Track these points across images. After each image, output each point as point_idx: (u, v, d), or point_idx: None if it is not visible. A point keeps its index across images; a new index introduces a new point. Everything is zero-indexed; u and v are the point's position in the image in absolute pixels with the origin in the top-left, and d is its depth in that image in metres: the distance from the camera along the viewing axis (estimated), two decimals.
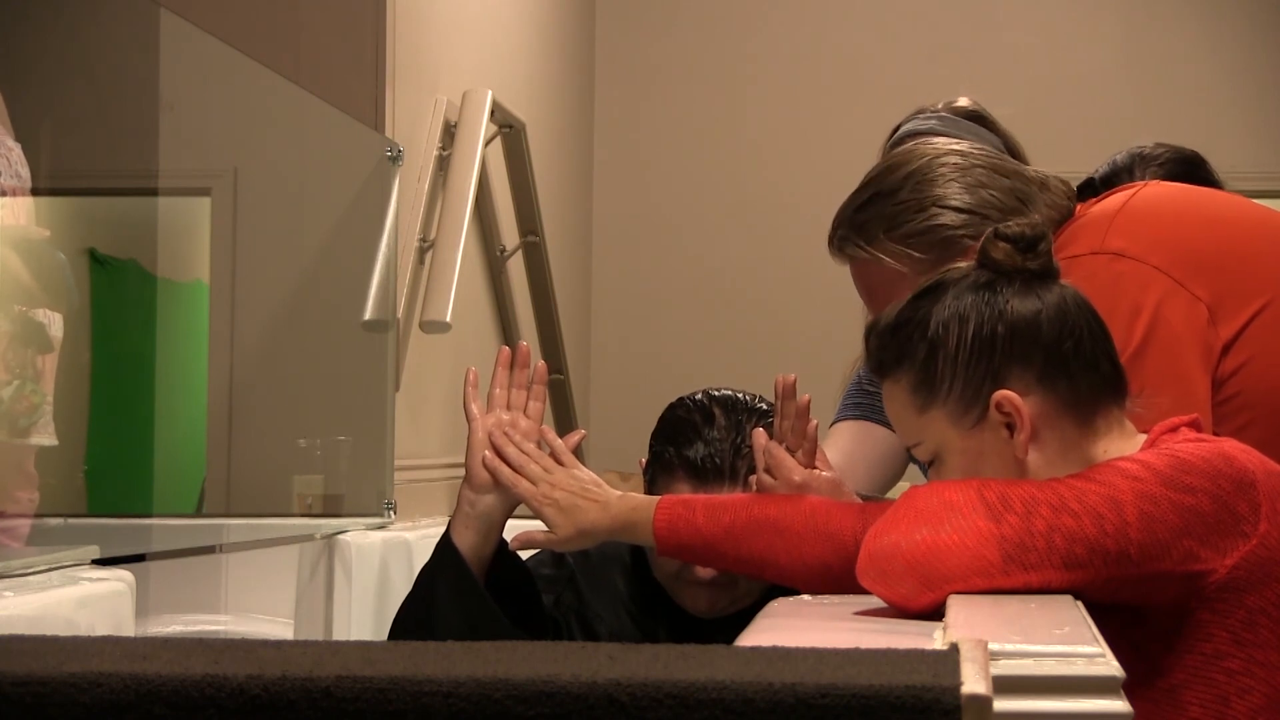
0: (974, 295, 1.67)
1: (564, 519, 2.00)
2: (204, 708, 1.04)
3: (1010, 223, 1.72)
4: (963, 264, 1.75)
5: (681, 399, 2.26)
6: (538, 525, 2.04)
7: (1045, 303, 1.66)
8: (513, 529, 2.12)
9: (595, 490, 2.01)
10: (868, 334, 1.75)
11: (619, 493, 2.00)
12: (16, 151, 1.92)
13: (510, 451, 2.09)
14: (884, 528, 1.57)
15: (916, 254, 2.03)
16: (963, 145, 2.12)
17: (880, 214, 2.05)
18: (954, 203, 2.03)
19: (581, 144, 5.29)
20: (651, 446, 2.24)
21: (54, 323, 2.02)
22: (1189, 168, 2.72)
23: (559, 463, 2.07)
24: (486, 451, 2.11)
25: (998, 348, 1.65)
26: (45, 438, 1.99)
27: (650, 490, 2.22)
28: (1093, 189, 2.14)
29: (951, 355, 1.66)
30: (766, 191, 5.41)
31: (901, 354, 1.69)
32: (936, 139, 2.23)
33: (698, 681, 1.02)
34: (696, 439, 2.18)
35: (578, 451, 2.13)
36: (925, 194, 2.04)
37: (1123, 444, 1.66)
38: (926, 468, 1.77)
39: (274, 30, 2.82)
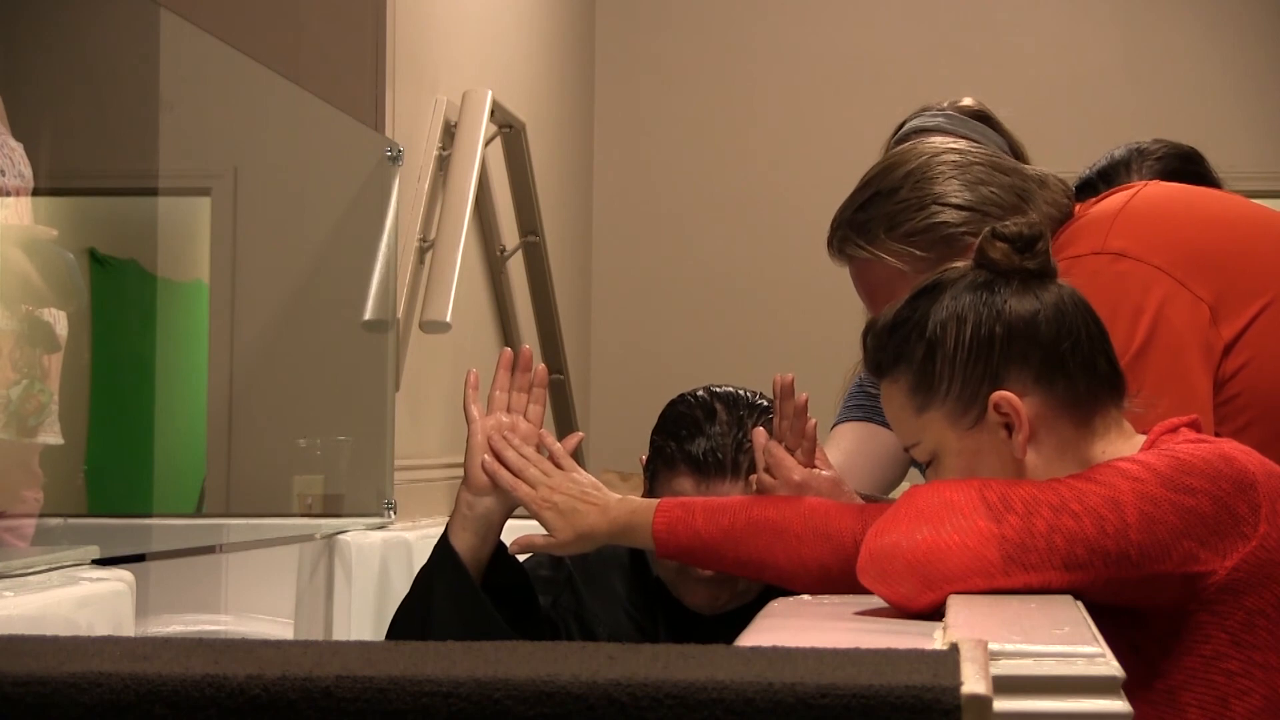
0: (972, 295, 1.67)
1: (563, 523, 2.00)
2: (204, 708, 1.04)
3: (1008, 222, 1.72)
4: (960, 264, 1.74)
5: (683, 395, 2.26)
6: (537, 528, 2.04)
7: (1043, 303, 1.66)
8: (512, 530, 2.12)
9: (594, 494, 2.01)
10: (865, 334, 1.75)
11: (618, 496, 2.00)
12: (19, 151, 1.93)
13: (509, 455, 2.09)
14: (884, 527, 1.57)
15: (918, 252, 2.02)
16: (961, 143, 2.12)
17: (880, 213, 2.05)
18: (954, 200, 2.03)
19: (581, 144, 5.29)
20: (653, 441, 2.23)
21: (59, 321, 2.02)
22: (1186, 163, 2.72)
23: (558, 466, 2.07)
24: (485, 455, 2.11)
25: (995, 348, 1.65)
26: (52, 436, 2.00)
27: (651, 485, 2.22)
28: (1092, 189, 2.14)
29: (949, 355, 1.65)
30: (767, 191, 5.41)
31: (899, 354, 1.69)
32: (934, 137, 2.23)
33: (698, 681, 1.02)
34: (699, 434, 2.18)
35: (576, 453, 2.14)
36: (925, 192, 2.04)
37: (1121, 445, 1.66)
38: (925, 468, 1.77)
39: (274, 30, 2.82)
